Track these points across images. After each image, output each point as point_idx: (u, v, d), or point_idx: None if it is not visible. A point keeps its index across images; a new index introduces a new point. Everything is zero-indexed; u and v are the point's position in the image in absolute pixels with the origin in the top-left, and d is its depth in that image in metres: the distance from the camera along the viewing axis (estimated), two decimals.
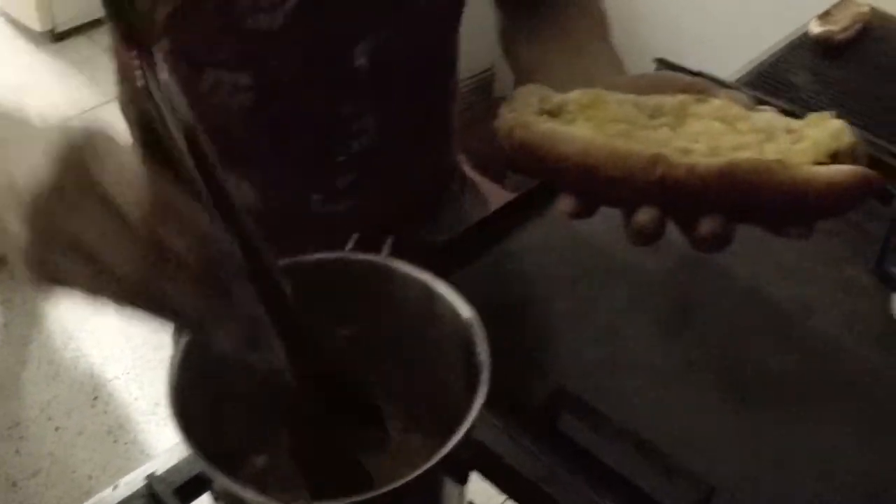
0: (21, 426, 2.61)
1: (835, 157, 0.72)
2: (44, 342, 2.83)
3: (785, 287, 1.10)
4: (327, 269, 0.83)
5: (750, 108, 0.78)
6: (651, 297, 1.07)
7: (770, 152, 0.72)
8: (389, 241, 0.80)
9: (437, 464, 0.68)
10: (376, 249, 0.81)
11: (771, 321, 1.06)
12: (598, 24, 1.09)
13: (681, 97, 0.78)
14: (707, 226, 0.72)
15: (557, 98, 0.79)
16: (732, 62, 1.62)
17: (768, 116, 0.77)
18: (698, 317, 1.06)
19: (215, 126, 1.05)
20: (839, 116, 0.75)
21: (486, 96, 3.51)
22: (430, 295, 0.80)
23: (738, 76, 1.50)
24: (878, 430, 0.96)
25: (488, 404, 0.79)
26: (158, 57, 0.59)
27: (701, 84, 0.81)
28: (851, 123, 1.37)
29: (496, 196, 2.39)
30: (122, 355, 2.78)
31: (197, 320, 0.63)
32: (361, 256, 0.82)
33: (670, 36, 2.92)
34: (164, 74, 0.59)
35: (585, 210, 0.76)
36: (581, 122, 0.76)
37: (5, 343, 2.84)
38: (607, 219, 1.14)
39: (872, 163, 1.27)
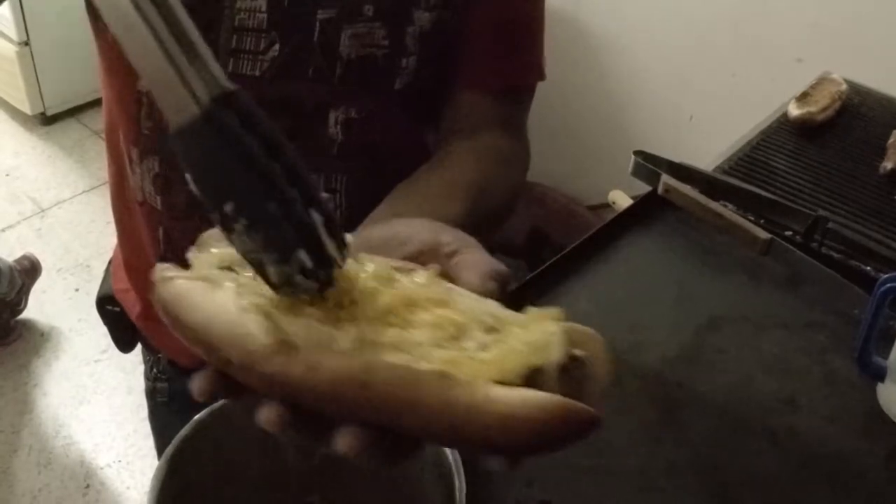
0: None
1: (534, 376, 0.53)
2: (34, 430, 2.82)
3: (769, 382, 1.10)
4: None
5: (479, 286, 0.63)
6: (635, 398, 1.07)
7: (439, 358, 0.54)
8: None
9: None
10: None
11: (756, 419, 1.05)
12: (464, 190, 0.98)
13: (376, 270, 0.61)
14: (342, 440, 0.55)
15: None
16: (714, 145, 1.63)
17: (478, 305, 0.59)
18: (682, 416, 1.05)
19: (183, 173, 1.06)
20: None
21: None
22: None
23: (718, 162, 1.51)
24: None
25: None
26: None
27: (434, 251, 0.68)
28: (829, 205, 1.40)
29: None
30: (113, 443, 2.76)
31: None
32: None
33: (655, 123, 2.94)
34: None
35: (221, 391, 0.61)
36: (235, 280, 0.60)
37: None
38: (594, 318, 1.16)
39: (849, 246, 1.29)
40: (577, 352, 0.56)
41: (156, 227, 1.13)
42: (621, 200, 1.57)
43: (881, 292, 1.06)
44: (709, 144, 1.76)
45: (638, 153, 1.33)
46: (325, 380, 0.54)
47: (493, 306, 0.59)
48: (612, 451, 1.00)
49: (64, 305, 3.25)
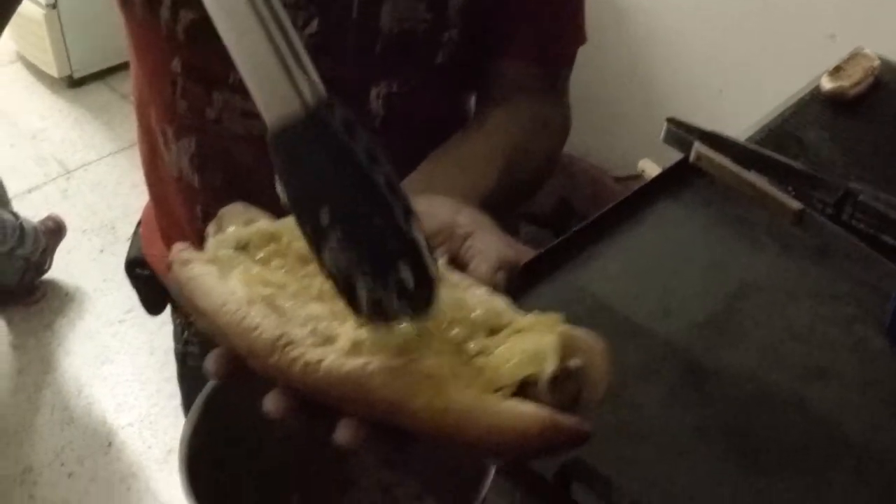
0: (34, 472, 2.61)
1: (526, 385, 0.55)
2: (58, 388, 2.84)
3: (797, 351, 1.10)
4: None
5: (487, 277, 0.65)
6: (664, 362, 1.07)
7: (436, 363, 0.55)
8: None
9: None
10: None
11: (783, 386, 1.05)
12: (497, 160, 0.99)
13: None
14: (341, 433, 0.56)
15: (256, 225, 0.66)
16: (743, 117, 1.63)
17: (483, 302, 0.60)
18: (710, 382, 1.05)
19: (220, 153, 1.06)
20: None
21: None
22: None
23: (748, 134, 1.50)
24: (889, 498, 0.95)
25: (501, 472, 0.80)
26: None
27: (449, 231, 0.70)
28: (861, 179, 1.39)
29: None
30: (136, 402, 2.79)
31: None
32: None
33: (684, 94, 2.93)
34: None
35: (230, 372, 0.62)
36: (244, 268, 0.62)
37: (19, 389, 2.84)
38: (623, 283, 1.16)
39: (879, 219, 1.28)
40: (573, 362, 0.56)
41: (193, 204, 1.13)
42: (651, 169, 1.57)
43: None
44: (737, 118, 1.75)
45: (670, 120, 1.33)
46: (321, 378, 0.55)
47: (498, 304, 0.60)
48: (640, 413, 1.01)
49: (89, 266, 3.27)
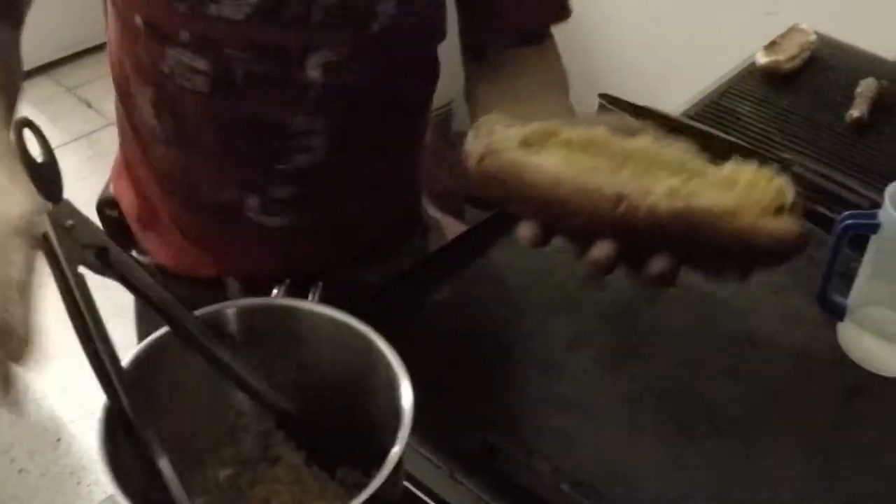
0: None
1: (779, 212, 0.75)
2: None
3: (730, 319, 1.11)
4: (267, 314, 0.84)
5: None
6: (596, 332, 1.08)
7: (725, 201, 0.74)
8: (319, 286, 0.80)
9: (366, 502, 0.68)
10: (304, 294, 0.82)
11: (715, 354, 1.06)
12: (558, 86, 1.17)
13: (643, 143, 0.80)
14: (658, 265, 0.76)
15: (535, 125, 0.80)
16: (679, 95, 1.63)
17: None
18: (642, 351, 1.06)
19: (172, 105, 1.10)
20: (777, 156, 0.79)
21: (445, 133, 3.49)
22: (368, 345, 0.81)
23: (684, 108, 1.51)
24: (820, 462, 0.96)
25: (426, 440, 0.80)
26: None
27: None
28: (795, 151, 1.40)
29: (455, 232, 2.39)
30: (84, 396, 2.75)
31: None
32: (299, 304, 0.82)
33: (616, 70, 2.93)
34: None
35: (544, 239, 0.79)
36: (552, 150, 0.78)
37: None
38: (553, 255, 1.16)
39: (811, 189, 1.29)
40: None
41: (154, 146, 1.17)
42: None
43: (840, 228, 1.06)
44: (675, 95, 1.76)
45: (603, 96, 1.33)
46: (659, 217, 0.73)
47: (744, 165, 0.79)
48: (570, 383, 1.01)
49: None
